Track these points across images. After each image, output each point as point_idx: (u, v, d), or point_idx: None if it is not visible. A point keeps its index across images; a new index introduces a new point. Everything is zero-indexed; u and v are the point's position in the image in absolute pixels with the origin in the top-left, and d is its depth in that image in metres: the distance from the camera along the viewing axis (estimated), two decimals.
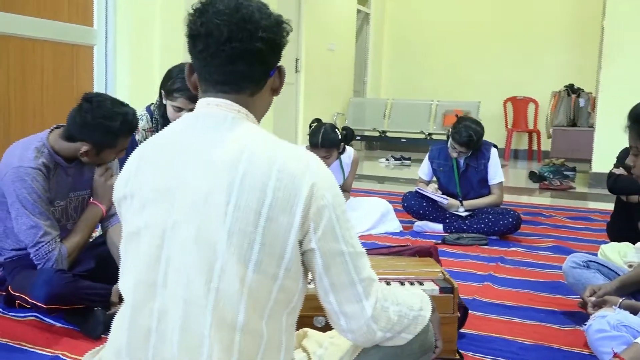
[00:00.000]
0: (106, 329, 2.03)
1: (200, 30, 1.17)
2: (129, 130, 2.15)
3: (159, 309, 1.13)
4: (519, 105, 9.11)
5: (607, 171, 6.14)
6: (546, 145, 8.78)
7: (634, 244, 3.01)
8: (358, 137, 9.13)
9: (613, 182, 3.28)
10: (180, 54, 5.46)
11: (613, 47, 6.09)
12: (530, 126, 8.94)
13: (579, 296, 2.54)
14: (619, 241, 3.10)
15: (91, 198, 2.30)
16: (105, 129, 2.07)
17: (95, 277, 2.21)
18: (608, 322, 1.73)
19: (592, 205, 5.40)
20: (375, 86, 10.07)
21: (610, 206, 5.26)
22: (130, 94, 4.90)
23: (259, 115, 1.26)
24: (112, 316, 2.01)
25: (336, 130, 3.70)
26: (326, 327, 1.57)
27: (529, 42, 9.01)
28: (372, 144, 9.94)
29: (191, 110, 2.66)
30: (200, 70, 1.22)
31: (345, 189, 4.05)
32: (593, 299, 2.08)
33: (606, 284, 2.14)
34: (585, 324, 1.83)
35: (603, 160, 6.27)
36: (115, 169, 2.37)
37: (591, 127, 6.62)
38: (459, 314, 1.89)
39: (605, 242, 3.65)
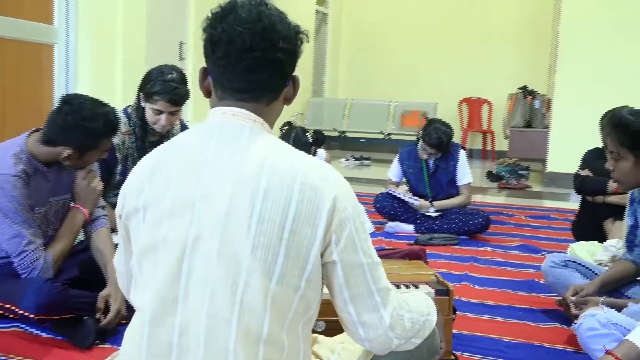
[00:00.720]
0: (97, 338, 2.00)
1: (221, 37, 1.16)
2: (111, 130, 2.11)
3: (181, 324, 1.11)
4: (473, 106, 9.33)
5: (562, 171, 6.44)
6: (500, 145, 9.02)
7: (600, 242, 3.15)
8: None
9: (580, 183, 3.40)
10: (143, 53, 5.38)
11: (567, 51, 6.31)
12: (485, 127, 9.17)
13: (555, 294, 2.64)
14: (584, 240, 3.22)
15: (72, 202, 2.24)
16: (87, 131, 2.02)
17: (79, 285, 2.15)
18: (598, 320, 1.81)
19: (549, 204, 5.58)
20: (334, 86, 10.12)
21: (566, 205, 5.50)
22: (92, 94, 4.77)
23: (271, 123, 1.26)
24: (101, 325, 2.00)
25: (307, 133, 3.73)
26: (326, 332, 1.59)
27: (482, 45, 9.23)
28: (331, 144, 9.97)
29: (171, 113, 2.65)
30: (219, 76, 1.20)
31: None
32: (574, 298, 2.16)
33: (588, 284, 2.23)
34: (575, 323, 1.90)
35: (558, 160, 6.50)
36: (96, 171, 2.32)
37: (546, 128, 6.84)
38: (454, 316, 1.94)
39: (568, 241, 3.80)
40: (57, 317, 1.95)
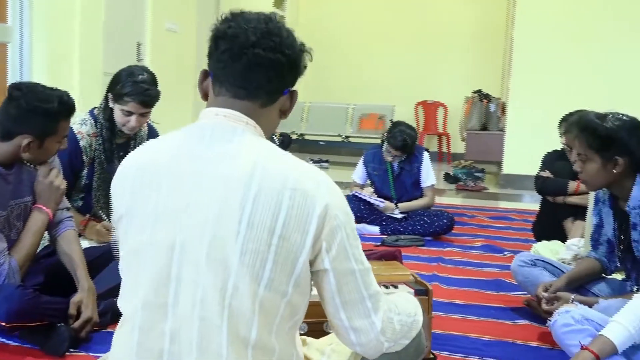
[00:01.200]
0: (71, 345, 1.94)
1: (227, 32, 1.17)
2: (67, 111, 2.05)
3: (171, 330, 1.10)
4: (429, 109, 9.48)
5: (517, 173, 6.60)
6: (455, 147, 9.20)
7: (561, 241, 3.26)
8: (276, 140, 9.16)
9: (541, 185, 3.50)
10: (100, 53, 5.26)
11: (521, 56, 6.48)
12: (440, 129, 9.33)
13: (522, 293, 2.71)
14: (544, 239, 3.33)
15: (35, 203, 2.16)
16: (44, 112, 1.96)
17: (45, 290, 2.08)
18: (572, 316, 1.86)
19: (505, 205, 5.72)
20: None
21: (522, 205, 5.65)
22: None
23: (265, 130, 1.23)
24: (76, 331, 1.95)
25: (273, 136, 3.72)
26: (308, 334, 1.59)
27: (437, 49, 9.40)
28: (290, 147, 9.97)
29: (142, 115, 2.61)
30: (218, 72, 1.19)
31: None
32: (546, 295, 2.23)
33: (556, 280, 2.30)
34: (550, 320, 1.95)
35: (513, 162, 6.67)
36: (58, 168, 2.24)
37: (501, 131, 7.01)
38: (433, 315, 1.96)
39: (529, 241, 3.91)
40: (29, 324, 1.88)
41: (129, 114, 2.56)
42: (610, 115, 2.12)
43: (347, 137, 8.64)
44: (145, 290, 1.11)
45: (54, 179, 2.13)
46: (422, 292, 1.92)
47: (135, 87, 2.52)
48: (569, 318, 1.86)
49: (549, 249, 3.11)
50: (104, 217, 2.72)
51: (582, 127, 2.14)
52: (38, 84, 2.02)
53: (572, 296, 2.18)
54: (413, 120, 9.37)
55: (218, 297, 1.07)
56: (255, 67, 1.16)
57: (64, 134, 2.08)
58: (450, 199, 5.88)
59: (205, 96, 1.25)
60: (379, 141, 8.67)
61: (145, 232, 1.12)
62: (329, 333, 1.46)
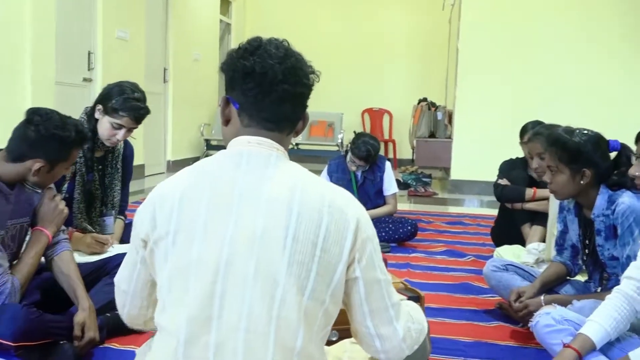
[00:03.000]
0: None
1: (255, 68, 1.24)
2: (82, 140, 2.11)
3: (216, 342, 1.16)
4: (375, 116, 9.73)
5: (464, 178, 6.88)
6: (401, 153, 9.47)
7: (522, 245, 3.46)
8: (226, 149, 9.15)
9: (500, 192, 3.69)
10: (52, 63, 5.16)
11: (467, 66, 6.77)
12: (386, 136, 9.58)
13: (493, 295, 2.89)
14: (502, 243, 3.52)
15: (30, 226, 2.17)
16: (60, 140, 2.01)
17: (41, 308, 2.08)
18: (553, 317, 2.02)
19: (456, 209, 5.97)
20: None
21: (473, 210, 5.91)
22: None
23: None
24: (80, 349, 1.97)
25: None
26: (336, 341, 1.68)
27: (382, 58, 9.68)
28: None
29: (129, 130, 2.65)
30: (247, 106, 1.27)
31: None
32: (517, 305, 2.40)
33: (529, 287, 2.46)
34: (531, 321, 2.11)
35: (460, 168, 6.95)
36: (54, 190, 2.26)
37: (449, 138, 7.28)
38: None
39: (487, 245, 4.12)
40: (34, 343, 1.89)
41: (120, 127, 2.62)
42: (577, 130, 2.30)
43: (297, 144, 8.73)
44: (191, 306, 1.17)
45: (59, 203, 2.16)
46: (414, 299, 2.03)
47: (131, 103, 2.61)
48: (550, 319, 2.02)
49: (511, 253, 3.30)
50: (90, 228, 2.73)
51: (553, 141, 2.32)
52: (55, 111, 2.06)
53: (542, 297, 2.35)
54: (360, 127, 9.59)
55: (266, 308, 1.15)
56: (284, 102, 1.26)
57: (73, 161, 2.14)
58: (404, 205, 6.07)
59: (226, 122, 1.32)
60: (328, 148, 8.90)
61: (191, 251, 1.19)
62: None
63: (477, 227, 4.85)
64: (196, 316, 1.17)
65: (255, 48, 1.27)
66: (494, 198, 6.42)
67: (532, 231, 3.59)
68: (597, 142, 2.27)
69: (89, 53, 6.02)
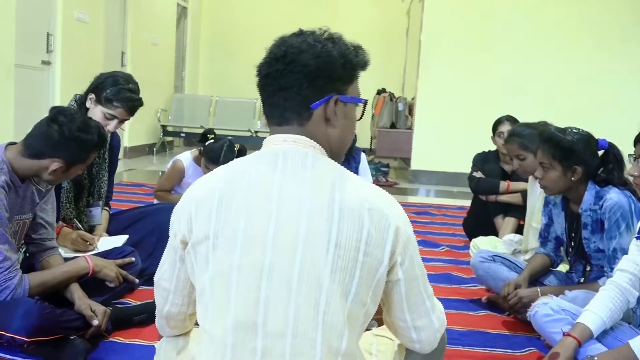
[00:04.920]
0: (86, 358, 1.93)
1: (260, 70, 1.28)
2: (102, 144, 2.10)
3: (262, 347, 1.16)
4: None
5: (424, 169, 7.03)
6: (358, 143, 9.54)
7: (496, 237, 3.59)
8: (183, 135, 9.02)
9: (476, 184, 3.81)
10: (12, 45, 4.96)
11: (429, 59, 6.90)
12: None
13: (473, 285, 2.99)
14: (475, 235, 3.64)
15: (34, 221, 2.13)
16: (83, 143, 1.98)
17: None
18: (551, 307, 2.13)
19: (417, 199, 6.10)
20: (194, 82, 9.98)
21: (433, 200, 6.05)
22: None
23: (328, 147, 1.31)
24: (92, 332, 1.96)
25: (234, 149, 3.78)
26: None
27: None
28: (192, 141, 9.84)
29: (121, 121, 2.61)
30: (263, 104, 1.31)
31: None
32: (513, 297, 2.50)
33: (520, 279, 2.56)
34: (529, 311, 2.21)
35: (420, 159, 7.10)
36: (52, 200, 2.22)
37: (409, 129, 7.41)
38: None
39: (458, 235, 4.25)
40: (47, 338, 1.85)
41: (112, 117, 2.56)
42: (569, 129, 2.41)
43: (256, 132, 8.70)
44: (235, 311, 1.16)
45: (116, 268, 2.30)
46: None
47: (127, 94, 2.56)
48: (548, 309, 2.13)
49: (487, 244, 3.41)
50: (79, 224, 2.67)
51: (546, 139, 2.42)
52: (78, 112, 2.07)
53: (538, 289, 2.47)
54: None
55: (312, 313, 1.15)
56: (273, 94, 1.26)
57: (89, 163, 2.13)
58: None
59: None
60: None
61: (233, 255, 1.17)
62: None
63: (443, 217, 4.98)
64: (242, 322, 1.16)
65: (274, 45, 1.30)
66: (453, 189, 6.68)
67: (504, 223, 3.74)
68: (588, 140, 2.39)
69: (48, 35, 5.81)
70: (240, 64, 9.82)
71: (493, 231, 3.74)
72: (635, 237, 2.03)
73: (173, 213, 1.29)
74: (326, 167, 1.24)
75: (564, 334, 2.00)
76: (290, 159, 1.22)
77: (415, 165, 7.09)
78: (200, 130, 8.88)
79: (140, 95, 2.67)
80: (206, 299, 1.21)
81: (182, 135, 8.97)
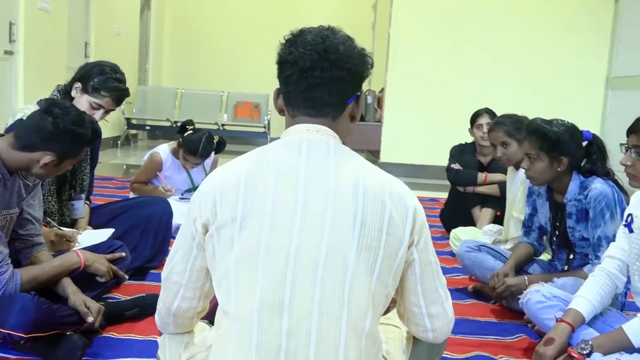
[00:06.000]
0: (84, 354, 1.89)
1: (288, 58, 1.28)
2: (95, 138, 2.04)
3: (288, 327, 1.18)
4: None
5: (393, 161, 7.09)
6: None
7: (474, 227, 3.66)
8: (147, 127, 8.87)
9: (454, 176, 3.86)
10: None
11: (398, 52, 6.95)
12: None
13: (457, 274, 3.04)
14: (453, 226, 3.70)
15: (21, 216, 2.06)
16: (76, 137, 1.92)
17: None
18: (543, 294, 2.18)
19: None
20: (157, 74, 9.82)
21: None
22: None
23: (342, 138, 1.35)
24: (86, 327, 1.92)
25: (213, 141, 3.75)
26: None
27: None
28: (157, 134, 9.70)
29: (107, 111, 2.55)
30: (287, 95, 1.31)
31: None
32: (501, 286, 2.55)
33: (506, 267, 2.61)
34: (522, 299, 2.26)
35: (390, 152, 7.16)
36: (39, 195, 2.16)
37: (378, 121, 7.46)
38: None
39: (433, 226, 4.29)
40: (45, 334, 1.80)
41: (99, 107, 2.51)
42: (554, 121, 2.47)
43: (222, 124, 8.62)
44: (262, 292, 1.18)
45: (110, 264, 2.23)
46: None
47: (113, 83, 2.50)
48: (540, 296, 2.18)
49: (467, 234, 3.48)
50: (54, 222, 2.59)
51: (533, 130, 2.47)
52: (73, 105, 2.01)
53: (525, 277, 2.52)
54: None
55: (338, 292, 1.18)
56: (316, 88, 1.28)
57: (81, 158, 2.07)
58: None
59: (281, 112, 1.35)
60: (255, 130, 8.84)
61: (261, 237, 1.19)
62: None
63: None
64: (268, 302, 1.18)
65: (295, 38, 1.30)
66: (422, 181, 6.76)
67: (482, 213, 3.81)
68: (573, 132, 2.45)
69: (10, 24, 5.62)
70: (205, 56, 9.73)
71: (470, 222, 3.80)
72: (624, 225, 2.10)
73: (192, 199, 1.29)
74: (347, 154, 1.29)
75: (557, 320, 2.05)
76: (313, 146, 1.26)
77: (384, 157, 7.15)
78: (166, 123, 8.86)
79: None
80: (229, 281, 1.22)
81: (147, 128, 8.83)
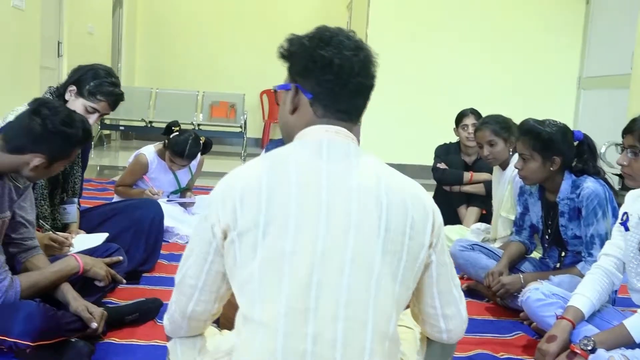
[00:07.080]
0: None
1: (333, 60, 1.27)
2: (86, 139, 1.96)
3: (314, 332, 1.18)
4: (273, 97, 9.71)
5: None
6: None
7: (463, 226, 3.70)
8: (121, 128, 8.74)
9: (441, 175, 3.90)
10: None
11: (376, 51, 6.98)
12: None
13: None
14: None
15: (13, 220, 2.01)
16: (67, 138, 1.85)
17: None
18: (542, 292, 2.22)
19: None
20: (130, 74, 9.67)
21: None
22: None
23: None
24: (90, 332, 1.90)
25: (199, 142, 3.72)
26: None
27: (282, 38, 9.63)
28: (130, 134, 9.57)
29: (101, 115, 2.52)
30: (322, 96, 1.30)
31: (189, 188, 4.03)
32: (496, 284, 2.58)
33: (500, 266, 2.64)
34: (521, 297, 2.29)
35: (370, 150, 7.18)
36: (31, 198, 2.11)
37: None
38: None
39: None
40: (51, 342, 1.77)
41: (94, 111, 2.46)
42: (547, 121, 2.51)
43: (198, 124, 8.54)
44: (287, 296, 1.17)
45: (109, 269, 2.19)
46: None
47: (109, 88, 2.46)
48: (539, 294, 2.22)
49: (455, 233, 3.53)
50: (46, 225, 2.53)
51: (526, 130, 2.51)
52: (63, 105, 1.95)
53: (520, 276, 2.56)
54: (259, 108, 9.57)
55: (364, 295, 1.19)
56: (358, 94, 1.31)
57: (72, 159, 2.01)
58: None
59: (293, 110, 1.34)
60: (231, 130, 8.78)
61: (285, 242, 1.18)
62: None
63: None
64: (294, 308, 1.17)
65: (329, 38, 1.29)
66: None
67: (468, 212, 3.86)
68: (565, 132, 2.50)
69: None
70: (180, 55, 9.62)
71: (457, 220, 3.85)
72: (620, 223, 2.15)
73: (209, 204, 1.26)
74: (368, 157, 1.30)
75: (557, 317, 2.09)
76: (334, 149, 1.26)
77: None
78: (141, 124, 8.73)
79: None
80: (253, 287, 1.20)
81: (121, 128, 8.69)
